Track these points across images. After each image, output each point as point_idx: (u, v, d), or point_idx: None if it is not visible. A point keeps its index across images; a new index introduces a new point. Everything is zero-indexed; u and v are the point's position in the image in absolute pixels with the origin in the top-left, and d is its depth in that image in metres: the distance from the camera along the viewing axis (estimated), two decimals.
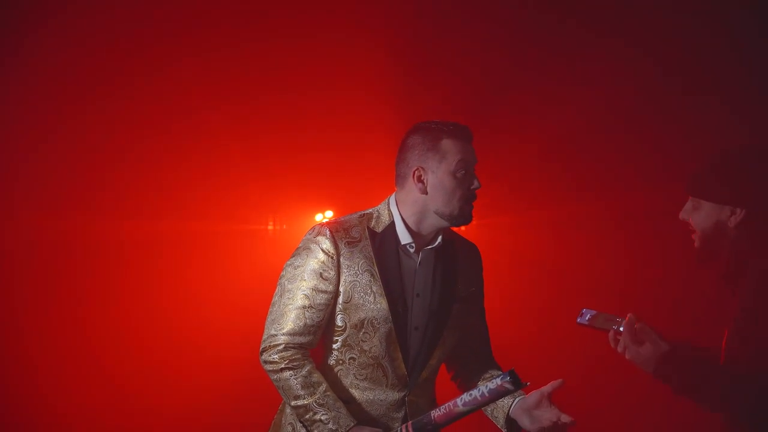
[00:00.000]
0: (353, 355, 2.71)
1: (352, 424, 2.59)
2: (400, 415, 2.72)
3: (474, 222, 4.65)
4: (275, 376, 2.67)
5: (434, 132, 2.70)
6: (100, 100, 4.39)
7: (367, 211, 2.79)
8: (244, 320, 4.52)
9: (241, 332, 4.53)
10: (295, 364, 2.65)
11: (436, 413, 2.52)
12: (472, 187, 2.70)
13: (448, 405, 2.51)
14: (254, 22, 4.55)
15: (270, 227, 4.80)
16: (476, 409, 2.51)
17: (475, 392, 2.48)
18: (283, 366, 2.65)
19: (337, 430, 2.58)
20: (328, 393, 2.63)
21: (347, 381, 2.72)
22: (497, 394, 2.46)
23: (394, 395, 2.71)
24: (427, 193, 2.70)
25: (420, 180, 2.70)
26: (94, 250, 4.47)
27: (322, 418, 2.60)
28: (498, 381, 2.43)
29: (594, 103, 4.67)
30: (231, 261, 4.67)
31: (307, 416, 2.62)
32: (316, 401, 2.61)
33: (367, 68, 4.63)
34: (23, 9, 4.25)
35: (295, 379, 2.63)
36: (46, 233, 4.41)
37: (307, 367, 2.66)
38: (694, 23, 4.50)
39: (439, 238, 2.76)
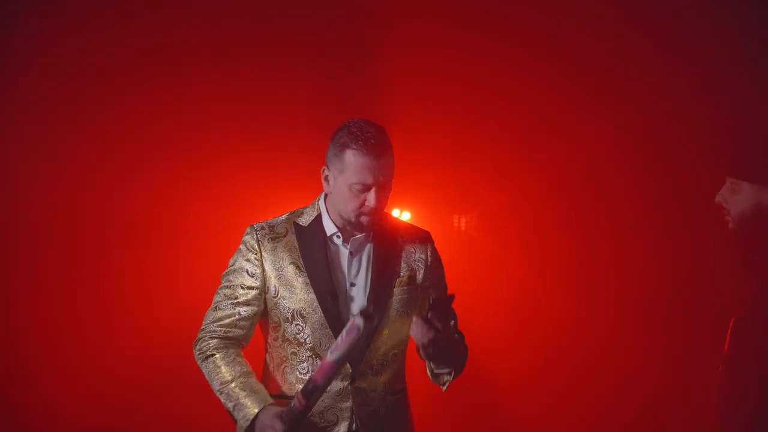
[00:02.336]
0: (294, 350, 2.74)
1: (263, 405, 2.61)
2: (348, 404, 2.72)
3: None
4: (203, 363, 2.73)
5: (343, 141, 2.68)
6: (104, 105, 4.48)
7: (298, 209, 2.84)
8: None
9: None
10: (222, 352, 2.71)
11: (314, 373, 2.52)
12: (366, 204, 2.65)
13: (321, 361, 2.51)
14: (252, 28, 4.61)
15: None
16: (346, 354, 2.46)
17: (337, 339, 2.48)
18: (210, 353, 2.71)
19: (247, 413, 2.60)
20: (248, 379, 2.68)
21: (293, 377, 2.74)
22: (354, 333, 2.42)
23: (338, 384, 2.71)
24: (331, 193, 2.73)
25: (326, 180, 2.74)
26: (92, 249, 4.53)
27: (243, 401, 2.63)
28: (350, 320, 2.43)
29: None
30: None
31: (230, 403, 2.65)
32: (237, 384, 2.65)
33: (368, 69, 4.65)
34: (25, 21, 4.38)
35: (222, 360, 2.70)
36: (45, 233, 4.48)
37: (233, 351, 2.72)
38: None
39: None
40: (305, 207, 2.83)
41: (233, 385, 2.66)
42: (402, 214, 4.74)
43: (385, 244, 2.76)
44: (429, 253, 2.83)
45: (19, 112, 4.42)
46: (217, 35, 4.57)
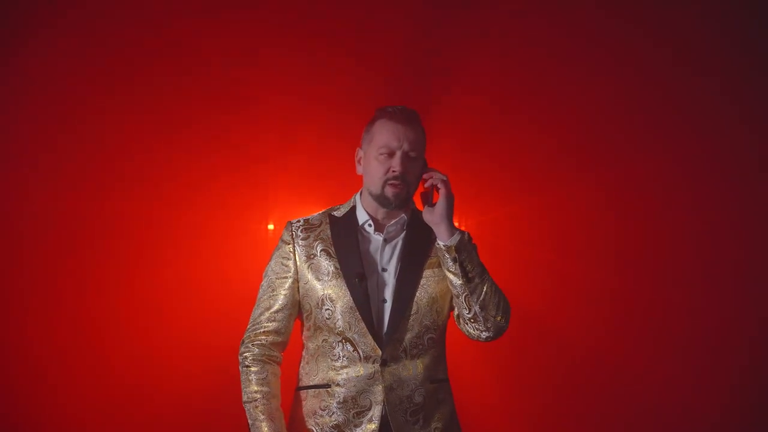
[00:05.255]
0: (325, 336, 2.81)
1: None
2: (379, 388, 2.75)
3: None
4: (240, 369, 2.85)
5: (375, 115, 2.85)
6: (102, 101, 4.39)
7: (337, 205, 2.97)
8: (239, 319, 4.43)
9: (237, 331, 4.45)
10: (258, 366, 2.83)
11: None
12: (391, 170, 2.76)
13: None
14: (254, 21, 4.53)
15: (270, 227, 4.73)
16: None
17: None
18: (247, 363, 2.84)
19: None
20: (271, 403, 2.80)
21: (325, 365, 2.80)
22: None
23: (370, 369, 2.76)
24: (362, 175, 2.86)
25: (359, 162, 2.87)
26: (92, 248, 4.42)
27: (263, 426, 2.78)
28: None
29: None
30: (228, 259, 4.57)
31: (250, 420, 2.80)
32: (260, 405, 2.79)
33: (368, 67, 4.60)
34: (17, 17, 4.31)
35: (255, 375, 2.82)
36: (43, 233, 4.38)
37: (269, 369, 2.84)
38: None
39: (403, 215, 2.84)
40: (343, 203, 2.94)
41: (257, 404, 2.78)
42: None
43: (419, 232, 2.83)
44: None
45: (17, 110, 4.34)
46: (215, 33, 4.50)
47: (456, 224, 2.79)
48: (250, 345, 2.84)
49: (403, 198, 2.77)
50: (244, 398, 2.80)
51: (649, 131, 4.57)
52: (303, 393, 2.84)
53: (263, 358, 2.83)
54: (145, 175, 4.45)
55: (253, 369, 2.80)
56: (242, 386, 2.82)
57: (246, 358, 2.83)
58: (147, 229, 4.44)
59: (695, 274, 4.52)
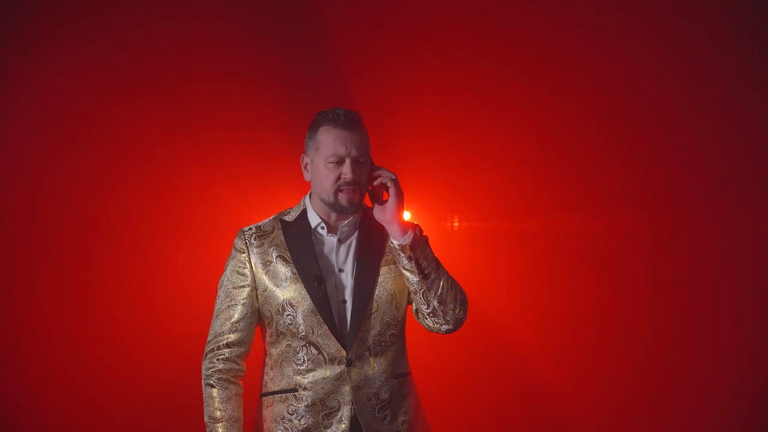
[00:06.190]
0: (288, 342, 2.83)
1: None
2: (347, 388, 2.79)
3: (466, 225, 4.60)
4: (204, 386, 2.85)
5: (316, 120, 2.84)
6: (106, 107, 4.50)
7: (286, 210, 2.97)
8: None
9: None
10: (221, 385, 2.83)
11: None
12: (342, 177, 2.77)
13: None
14: (247, 18, 4.63)
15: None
16: None
17: None
18: (210, 382, 2.84)
19: None
20: (233, 426, 2.81)
21: (290, 370, 2.82)
22: None
23: (336, 370, 2.79)
24: (311, 181, 2.86)
25: (306, 168, 2.87)
26: (95, 250, 4.50)
27: None
28: None
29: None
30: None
31: None
32: (222, 427, 2.80)
33: (367, 67, 4.66)
34: (26, 21, 4.41)
35: (218, 395, 2.83)
36: (47, 234, 4.47)
37: (233, 389, 2.84)
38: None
39: (354, 216, 2.86)
40: (292, 207, 2.95)
41: (219, 426, 2.79)
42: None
43: (371, 230, 2.87)
44: None
45: (21, 112, 4.43)
46: (220, 41, 4.61)
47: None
48: (214, 360, 2.84)
49: (357, 203, 2.80)
50: (206, 417, 2.82)
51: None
52: (269, 398, 2.85)
53: (228, 376, 2.83)
54: (154, 176, 4.53)
55: (216, 389, 2.81)
56: (204, 403, 2.83)
57: (210, 375, 2.83)
58: (156, 231, 4.52)
59: (684, 273, 4.56)
